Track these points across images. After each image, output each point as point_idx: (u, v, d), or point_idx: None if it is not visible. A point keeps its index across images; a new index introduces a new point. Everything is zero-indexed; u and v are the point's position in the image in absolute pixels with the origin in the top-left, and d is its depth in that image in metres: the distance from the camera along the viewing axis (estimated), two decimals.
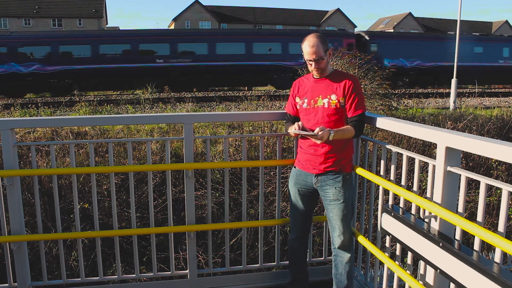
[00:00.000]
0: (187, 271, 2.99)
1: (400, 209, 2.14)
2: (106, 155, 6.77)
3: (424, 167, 3.04)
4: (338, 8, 53.40)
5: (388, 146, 2.49)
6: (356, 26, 53.61)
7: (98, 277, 2.90)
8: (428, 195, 2.09)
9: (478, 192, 1.81)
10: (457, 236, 1.92)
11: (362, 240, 2.67)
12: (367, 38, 23.05)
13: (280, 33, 26.00)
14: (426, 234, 1.87)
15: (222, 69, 20.94)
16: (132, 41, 20.46)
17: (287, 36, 22.19)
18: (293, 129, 2.54)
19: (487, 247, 5.11)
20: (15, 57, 19.24)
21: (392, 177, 2.45)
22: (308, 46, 2.48)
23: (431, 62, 23.27)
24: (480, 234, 1.60)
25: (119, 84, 20.99)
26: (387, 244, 2.43)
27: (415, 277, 2.18)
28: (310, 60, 2.49)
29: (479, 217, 1.76)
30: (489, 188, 3.17)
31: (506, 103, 15.51)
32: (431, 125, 4.07)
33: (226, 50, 21.04)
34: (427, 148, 7.80)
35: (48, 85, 19.78)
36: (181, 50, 21.03)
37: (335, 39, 20.83)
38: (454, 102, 13.86)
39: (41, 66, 19.38)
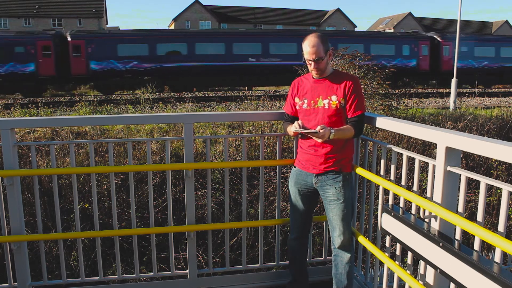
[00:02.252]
0: (187, 271, 2.99)
1: (400, 209, 2.14)
2: (106, 155, 6.77)
3: (424, 167, 3.04)
4: (338, 8, 53.44)
5: (388, 146, 2.49)
6: (356, 26, 53.66)
7: (98, 277, 2.90)
8: (428, 195, 2.09)
9: (478, 192, 1.81)
10: (457, 236, 1.92)
11: (362, 240, 2.67)
12: None
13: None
14: (426, 234, 1.87)
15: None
16: (397, 42, 24.37)
17: None
18: (293, 128, 2.54)
19: (487, 247, 5.11)
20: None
21: (392, 177, 2.45)
22: (308, 46, 2.47)
23: None
24: (480, 234, 1.60)
25: None
26: (387, 244, 2.43)
27: (415, 277, 2.18)
28: (310, 60, 2.49)
29: (479, 217, 1.76)
30: (489, 188, 3.16)
31: (506, 103, 15.50)
32: (431, 125, 4.07)
33: None
34: (427, 148, 7.79)
35: None
36: None
37: None
38: (454, 102, 13.85)
39: None
